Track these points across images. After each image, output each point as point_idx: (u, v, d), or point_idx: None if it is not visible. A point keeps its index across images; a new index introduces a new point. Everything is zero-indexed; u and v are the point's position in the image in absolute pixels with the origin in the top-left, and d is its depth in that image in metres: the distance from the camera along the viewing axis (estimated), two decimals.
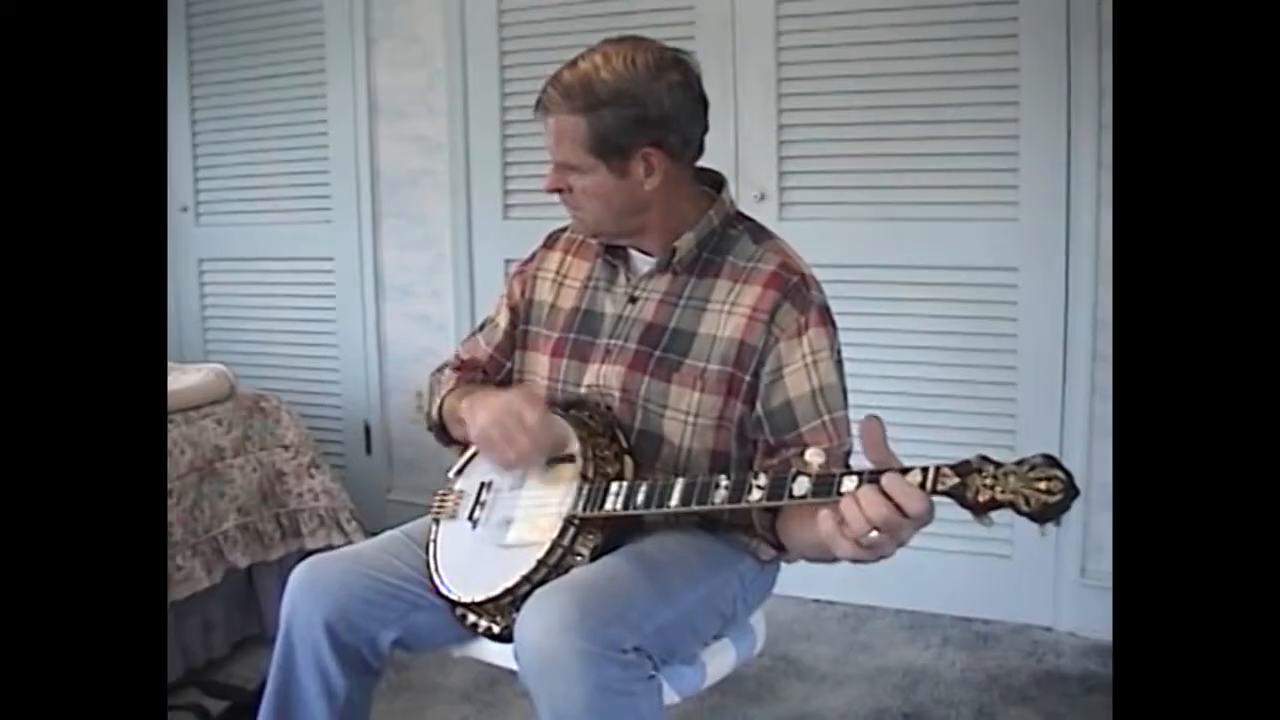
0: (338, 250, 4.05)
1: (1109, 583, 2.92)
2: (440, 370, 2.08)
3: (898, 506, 1.43)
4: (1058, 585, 3.16)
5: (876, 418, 1.50)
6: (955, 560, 3.16)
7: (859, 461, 1.60)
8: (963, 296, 3.16)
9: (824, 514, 1.49)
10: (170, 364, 3.12)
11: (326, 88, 3.98)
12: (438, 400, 1.99)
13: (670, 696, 1.77)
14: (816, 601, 3.37)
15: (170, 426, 2.86)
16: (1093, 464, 3.05)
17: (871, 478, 1.47)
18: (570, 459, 1.78)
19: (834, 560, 1.57)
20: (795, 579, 2.04)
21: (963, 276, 3.16)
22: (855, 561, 1.51)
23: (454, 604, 1.83)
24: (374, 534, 2.06)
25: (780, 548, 1.85)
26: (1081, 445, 3.07)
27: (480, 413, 1.81)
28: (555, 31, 3.47)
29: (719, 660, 1.91)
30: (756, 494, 1.59)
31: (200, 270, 4.32)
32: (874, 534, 1.45)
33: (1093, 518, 3.06)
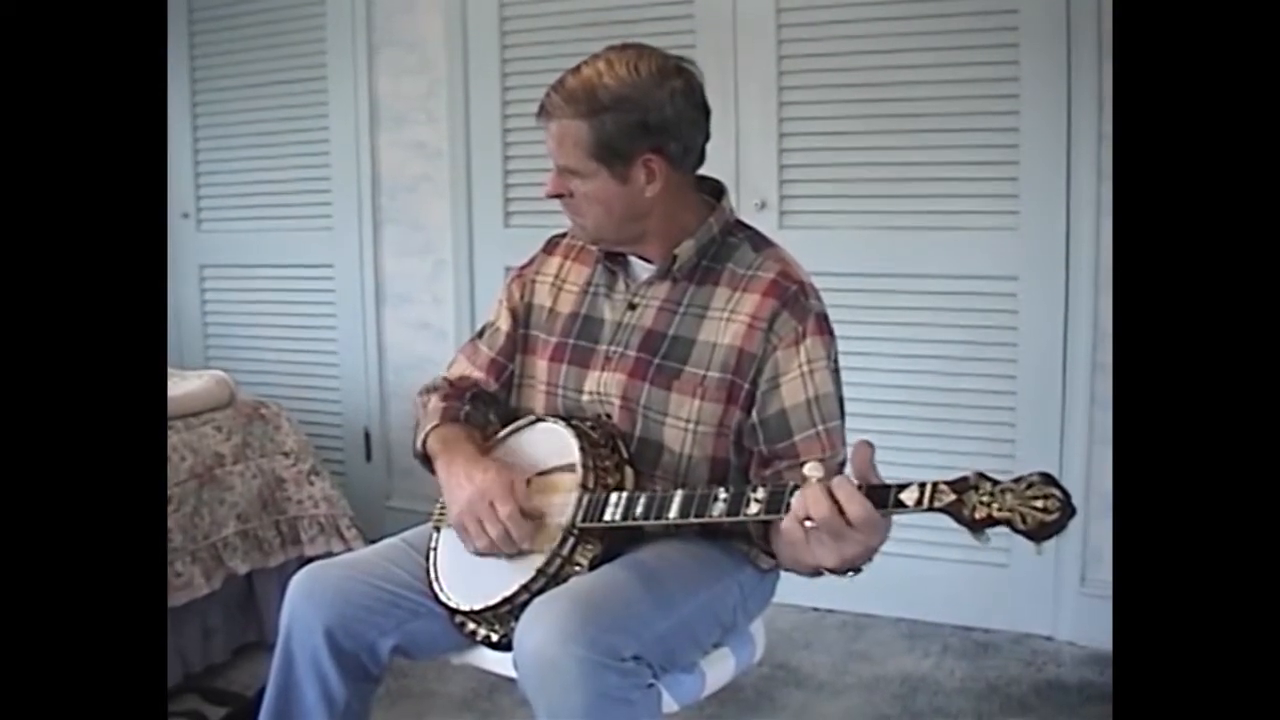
0: (338, 257, 4.05)
1: (1108, 592, 2.93)
2: (427, 393, 2.04)
3: (840, 508, 1.45)
4: (1057, 594, 3.16)
5: (868, 443, 1.51)
6: (955, 569, 3.16)
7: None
8: (963, 306, 3.17)
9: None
10: (170, 370, 3.13)
11: (328, 94, 3.98)
12: (422, 433, 1.97)
13: (669, 705, 1.76)
14: (816, 610, 3.37)
15: (170, 433, 2.87)
16: (1092, 473, 3.06)
17: (867, 492, 1.47)
18: (570, 468, 1.78)
19: (817, 574, 1.58)
20: (795, 587, 2.03)
21: (963, 286, 3.16)
22: (791, 544, 1.54)
23: (453, 612, 1.83)
24: (373, 541, 2.06)
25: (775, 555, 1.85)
26: (1081, 454, 3.08)
27: (455, 494, 1.81)
28: (556, 40, 3.48)
29: (718, 669, 1.90)
30: (754, 507, 1.59)
31: (201, 276, 4.32)
32: (808, 522, 1.48)
33: (1092, 527, 3.06)
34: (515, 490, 1.77)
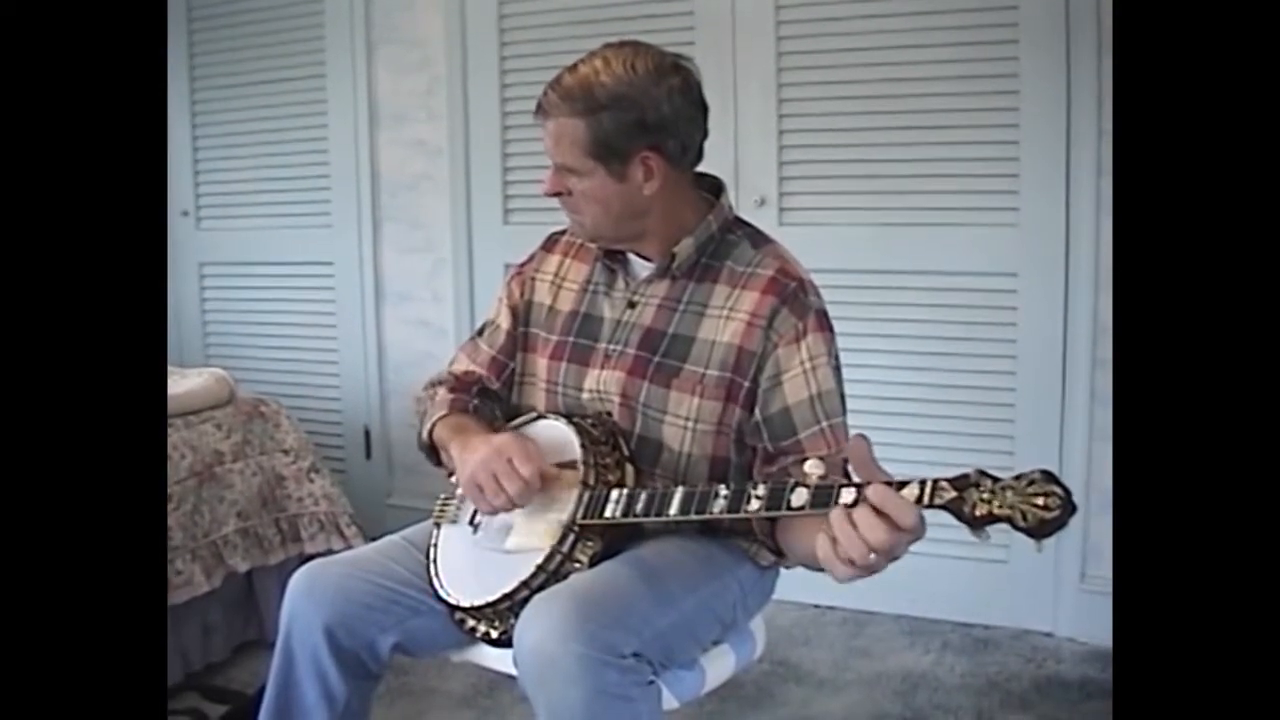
0: (338, 254, 4.05)
1: (1108, 588, 2.93)
2: (434, 386, 2.05)
3: (892, 522, 1.42)
4: (1057, 591, 3.16)
5: (863, 436, 1.50)
6: (955, 565, 3.16)
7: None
8: (962, 302, 3.17)
9: (820, 539, 1.47)
10: (170, 368, 3.13)
11: (327, 92, 3.98)
12: (429, 424, 1.97)
13: (669, 702, 1.77)
14: (816, 606, 3.37)
15: (170, 431, 2.86)
16: (1092, 469, 3.06)
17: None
18: (572, 465, 1.78)
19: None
20: (795, 584, 2.04)
21: (962, 282, 3.16)
22: (851, 580, 1.51)
23: (453, 608, 1.83)
24: (374, 539, 2.06)
25: (780, 553, 1.85)
26: (1081, 451, 3.08)
27: (468, 458, 1.80)
28: (555, 36, 3.48)
29: (718, 665, 1.91)
30: (755, 504, 1.58)
31: (200, 274, 4.32)
32: (872, 556, 1.44)
33: (1092, 523, 3.06)
34: (534, 452, 1.77)
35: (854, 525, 1.43)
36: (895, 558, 1.47)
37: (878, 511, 1.42)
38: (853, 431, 1.83)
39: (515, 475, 1.74)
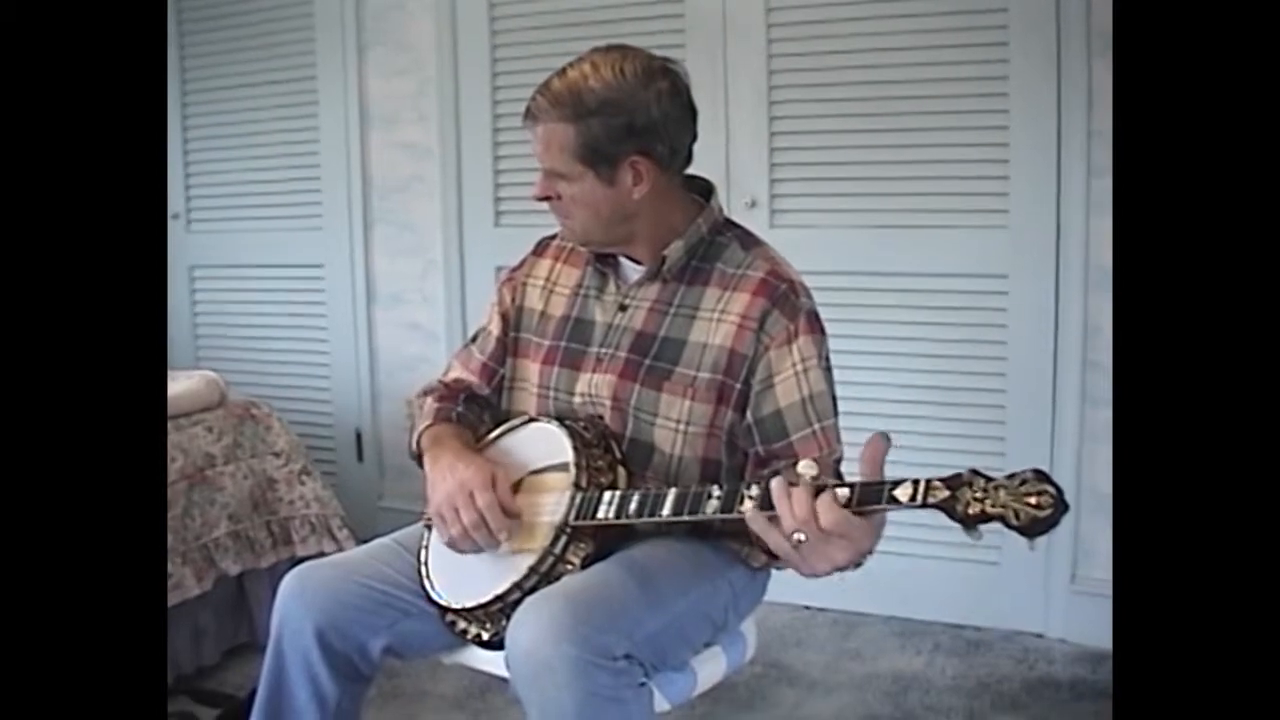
0: (329, 257, 4.05)
1: (1100, 589, 2.95)
2: (424, 395, 2.06)
3: (815, 517, 1.46)
4: (1048, 592, 3.16)
5: (884, 435, 1.51)
6: (946, 567, 3.16)
7: (850, 469, 1.60)
8: (953, 304, 3.17)
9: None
10: None
11: (318, 94, 3.98)
12: (416, 434, 1.98)
13: (661, 704, 1.77)
14: (807, 608, 3.37)
15: None
16: (1083, 471, 3.06)
17: (860, 489, 1.48)
18: (563, 468, 1.78)
19: (828, 573, 1.58)
20: (786, 586, 2.03)
21: (953, 284, 3.17)
22: (798, 571, 1.55)
23: (444, 610, 1.83)
24: (365, 541, 2.06)
25: (773, 555, 1.85)
26: (1072, 452, 3.08)
27: (437, 485, 1.81)
28: (546, 39, 3.48)
29: (710, 667, 1.91)
30: (749, 504, 1.59)
31: (191, 277, 4.31)
32: (798, 535, 1.48)
33: (1083, 524, 3.07)
34: (497, 483, 1.78)
35: (789, 498, 1.50)
36: (837, 564, 1.51)
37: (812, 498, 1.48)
38: (844, 434, 1.85)
39: (472, 508, 1.75)
